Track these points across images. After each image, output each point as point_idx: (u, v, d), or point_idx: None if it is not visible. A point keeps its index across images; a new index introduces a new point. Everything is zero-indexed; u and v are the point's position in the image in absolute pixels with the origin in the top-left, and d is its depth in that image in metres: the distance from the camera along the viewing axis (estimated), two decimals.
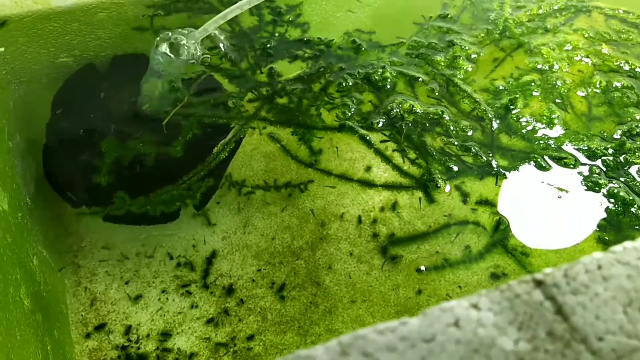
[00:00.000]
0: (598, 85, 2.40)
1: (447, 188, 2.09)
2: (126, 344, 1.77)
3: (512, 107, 2.29)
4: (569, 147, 2.20)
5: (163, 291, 1.87)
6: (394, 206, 2.10)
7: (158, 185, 2.09)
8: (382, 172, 2.16)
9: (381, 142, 2.21)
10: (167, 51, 2.25)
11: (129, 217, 2.02)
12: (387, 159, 2.18)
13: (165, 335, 1.79)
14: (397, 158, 2.19)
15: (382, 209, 2.09)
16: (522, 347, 0.71)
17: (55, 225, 1.99)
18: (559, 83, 2.39)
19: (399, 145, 2.21)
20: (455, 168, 2.13)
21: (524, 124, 2.25)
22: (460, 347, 0.71)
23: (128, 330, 1.79)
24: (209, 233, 2.00)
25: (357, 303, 1.88)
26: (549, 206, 2.07)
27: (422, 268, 1.92)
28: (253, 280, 1.91)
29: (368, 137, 2.24)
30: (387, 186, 2.12)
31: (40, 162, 2.15)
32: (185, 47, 2.26)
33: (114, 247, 1.96)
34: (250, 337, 1.80)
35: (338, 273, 1.94)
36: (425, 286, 1.92)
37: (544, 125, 2.25)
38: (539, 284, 0.79)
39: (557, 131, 2.25)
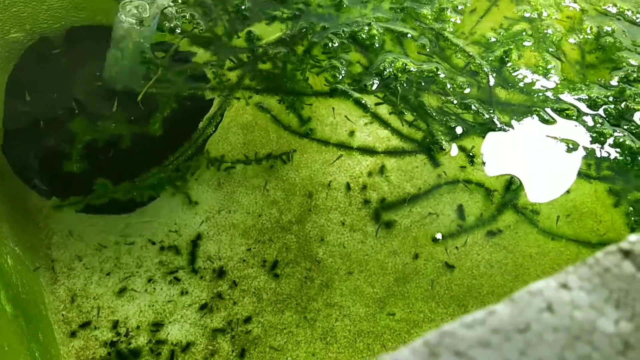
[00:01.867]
0: (589, 32, 2.34)
1: (454, 150, 2.01)
2: (115, 340, 1.66)
3: (506, 59, 2.21)
4: (568, 98, 2.15)
5: (149, 280, 1.75)
6: (382, 170, 2.02)
7: (141, 168, 1.92)
8: (381, 138, 2.06)
9: (376, 105, 2.10)
10: (133, 19, 2.04)
11: (106, 206, 1.88)
12: (385, 123, 2.08)
13: (157, 325, 1.69)
14: (395, 121, 2.09)
15: (370, 174, 2.01)
16: (624, 327, 0.65)
17: (23, 219, 1.83)
18: (549, 31, 2.32)
19: (395, 108, 2.10)
20: (458, 128, 2.04)
21: (520, 76, 2.18)
22: (560, 335, 0.65)
23: (115, 324, 1.68)
24: (190, 215, 1.88)
25: (354, 274, 1.82)
26: (557, 160, 2.03)
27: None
28: (244, 260, 1.81)
29: (363, 101, 2.12)
30: (390, 152, 2.03)
31: None
32: (152, 13, 2.05)
33: (90, 238, 1.82)
34: (248, 320, 1.72)
35: (331, 244, 1.86)
36: (421, 249, 1.87)
37: (540, 77, 2.18)
38: (626, 254, 0.72)
39: (554, 82, 2.19)
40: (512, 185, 1.97)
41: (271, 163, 2.00)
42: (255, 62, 2.18)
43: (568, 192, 2.01)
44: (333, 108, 2.10)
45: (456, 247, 1.88)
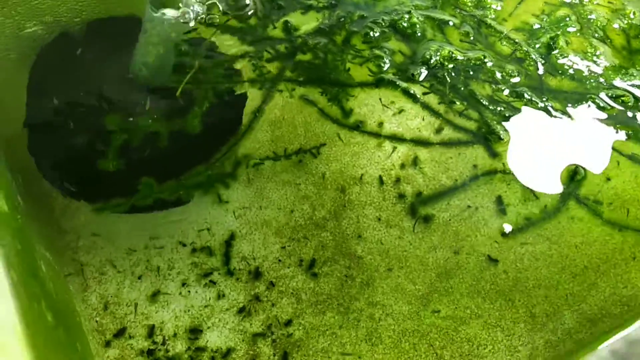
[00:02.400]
0: (632, 16, 2.27)
1: (512, 139, 1.92)
2: (152, 348, 1.59)
3: (553, 45, 2.13)
4: (622, 84, 2.09)
5: (183, 284, 1.68)
6: (415, 161, 1.95)
7: (183, 166, 1.83)
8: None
9: (424, 94, 2.02)
10: (165, 11, 1.95)
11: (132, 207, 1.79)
12: (436, 114, 2.00)
13: (195, 332, 1.62)
14: (446, 111, 2.02)
15: (402, 166, 1.93)
16: None
17: (49, 222, 1.75)
18: (593, 16, 2.25)
19: (444, 97, 2.02)
20: (512, 117, 1.96)
21: (569, 63, 2.11)
22: None
23: (151, 331, 1.61)
24: (221, 213, 1.80)
25: (394, 271, 1.75)
26: (619, 149, 1.97)
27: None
28: (279, 259, 1.74)
29: (412, 91, 2.04)
30: (446, 144, 1.95)
31: (25, 151, 1.87)
32: (185, 5, 1.96)
33: (118, 241, 1.74)
34: (288, 323, 1.65)
35: (369, 241, 1.79)
36: (463, 243, 1.81)
37: (590, 63, 2.11)
38: None
39: (604, 67, 2.12)
40: (576, 176, 1.90)
41: (300, 157, 1.92)
42: (294, 53, 2.09)
43: (608, 179, 1.94)
44: (380, 99, 2.03)
45: (496, 241, 1.82)
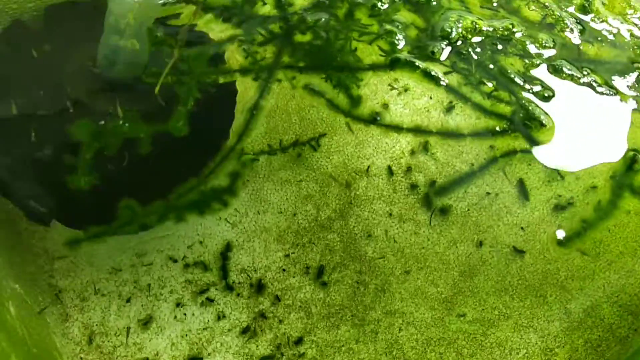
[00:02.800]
0: None
1: (555, 125, 1.69)
2: None
3: (588, 8, 1.88)
4: None
5: (178, 304, 1.49)
6: (426, 147, 1.75)
7: (171, 180, 1.57)
8: (459, 119, 1.76)
9: (445, 74, 1.77)
10: None
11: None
12: (464, 98, 1.76)
13: None
14: (475, 94, 1.78)
15: (412, 153, 1.74)
16: None
17: (18, 248, 1.54)
18: None
19: (470, 77, 1.78)
20: (551, 97, 1.72)
21: (607, 27, 1.86)
22: None
23: None
24: (213, 222, 1.60)
25: (412, 273, 1.57)
26: None
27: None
28: (283, 269, 1.55)
29: (433, 72, 1.78)
30: (476, 134, 1.74)
31: None
32: None
33: (99, 260, 1.54)
34: (299, 341, 1.47)
35: (380, 240, 1.61)
36: (485, 235, 1.63)
37: (631, 26, 1.87)
38: None
39: None
40: (635, 164, 1.71)
41: (298, 151, 1.71)
42: (291, 33, 1.83)
43: None
44: (396, 80, 1.79)
45: (521, 228, 1.64)
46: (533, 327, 1.51)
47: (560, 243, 1.60)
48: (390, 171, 1.70)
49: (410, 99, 1.81)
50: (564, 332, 1.51)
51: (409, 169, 1.71)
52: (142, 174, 1.60)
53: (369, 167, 1.71)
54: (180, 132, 1.65)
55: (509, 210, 1.67)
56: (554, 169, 1.73)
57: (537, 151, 1.74)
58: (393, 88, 1.81)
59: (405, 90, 1.82)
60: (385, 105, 1.80)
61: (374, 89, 1.82)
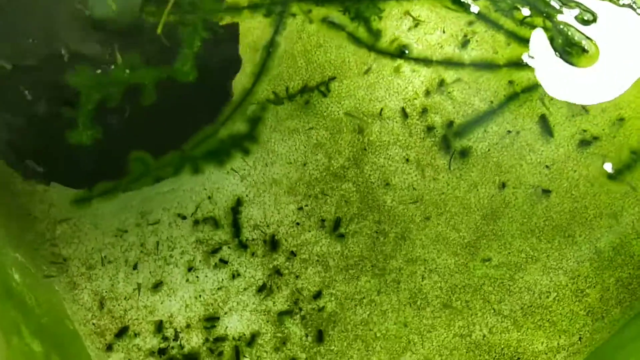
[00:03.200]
0: None
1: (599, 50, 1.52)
2: (164, 346, 1.35)
3: None
4: None
5: (190, 269, 1.42)
6: (442, 85, 1.63)
7: (183, 130, 1.46)
8: (474, 54, 1.62)
9: (474, 0, 1.57)
10: None
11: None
12: (497, 25, 1.60)
13: (211, 320, 1.38)
14: (507, 21, 1.62)
15: (427, 93, 1.62)
16: None
17: (12, 214, 1.45)
18: None
19: (500, 3, 1.58)
20: (592, 22, 1.55)
21: None
22: None
23: (159, 327, 1.37)
24: (221, 176, 1.51)
25: (432, 219, 1.49)
26: None
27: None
28: (297, 223, 1.47)
29: None
30: (514, 64, 1.60)
31: None
32: None
33: (103, 222, 1.46)
34: (317, 295, 1.41)
35: (398, 188, 1.52)
36: (507, 176, 1.54)
37: None
38: None
39: None
40: None
41: (306, 98, 1.60)
42: None
43: None
44: (407, 12, 1.65)
45: (546, 167, 1.55)
46: (562, 269, 1.45)
47: (587, 180, 1.51)
48: (404, 113, 1.60)
49: (423, 34, 1.68)
50: (595, 272, 1.44)
51: (424, 111, 1.60)
52: (150, 124, 1.47)
53: (382, 110, 1.60)
54: (187, 77, 1.52)
55: (532, 149, 1.57)
56: (578, 104, 1.62)
57: (559, 84, 1.63)
58: (410, 20, 1.68)
59: (416, 25, 1.69)
60: (396, 41, 1.67)
61: (383, 25, 1.69)
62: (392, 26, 1.66)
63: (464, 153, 1.56)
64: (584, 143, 1.57)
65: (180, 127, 1.46)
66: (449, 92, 1.62)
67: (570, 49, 1.60)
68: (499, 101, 1.62)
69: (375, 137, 1.57)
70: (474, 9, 1.65)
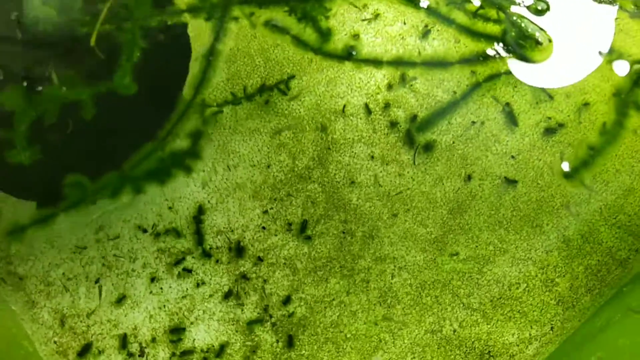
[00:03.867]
0: None
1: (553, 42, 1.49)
2: None
3: None
4: None
5: (152, 279, 1.38)
6: (404, 79, 1.61)
7: (124, 147, 1.40)
8: (436, 44, 1.60)
9: None
10: None
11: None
12: (448, 20, 1.58)
13: (177, 332, 1.34)
14: (459, 15, 1.59)
15: (389, 87, 1.60)
16: None
17: None
18: None
19: None
20: (545, 12, 1.53)
21: None
22: None
23: (124, 341, 1.33)
24: (181, 183, 1.47)
25: (399, 215, 1.47)
26: None
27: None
28: (263, 227, 1.44)
29: None
30: (467, 60, 1.58)
31: None
32: None
33: (60, 239, 1.41)
34: (287, 300, 1.38)
35: (364, 185, 1.50)
36: (473, 168, 1.52)
37: None
38: None
39: None
40: None
41: (265, 97, 1.56)
42: None
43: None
44: (365, 5, 1.61)
45: (512, 157, 1.54)
46: (531, 259, 1.44)
47: (567, 176, 1.50)
48: (367, 109, 1.57)
49: (382, 26, 1.65)
50: (564, 261, 1.44)
51: (387, 105, 1.57)
52: (88, 143, 1.42)
53: (344, 106, 1.57)
54: (127, 90, 1.46)
55: (497, 139, 1.56)
56: (542, 90, 1.60)
57: (522, 71, 1.61)
58: (363, 17, 1.64)
59: (376, 16, 1.65)
60: (356, 36, 1.63)
61: (342, 20, 1.65)
62: (350, 19, 1.63)
63: (429, 147, 1.54)
64: (549, 131, 1.56)
65: (119, 145, 1.41)
66: (412, 85, 1.60)
67: (523, 42, 1.58)
68: (462, 91, 1.60)
69: (339, 135, 1.54)
70: (424, 3, 1.62)
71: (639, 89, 1.54)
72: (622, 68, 1.58)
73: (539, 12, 1.58)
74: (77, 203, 1.38)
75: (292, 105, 1.56)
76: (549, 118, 1.57)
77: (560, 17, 1.61)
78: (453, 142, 1.55)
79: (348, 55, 1.56)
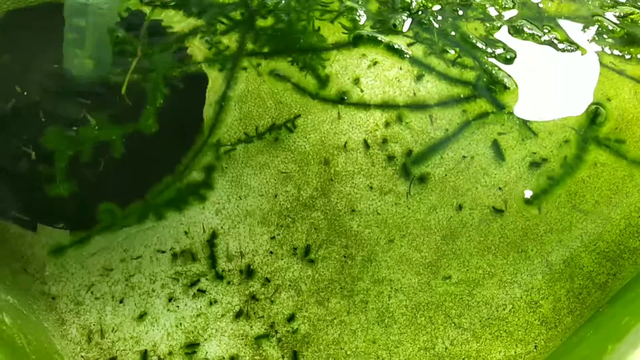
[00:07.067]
0: None
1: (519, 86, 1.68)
2: None
3: None
4: None
5: (170, 299, 1.52)
6: (400, 117, 1.77)
7: (147, 178, 1.59)
8: (430, 86, 1.77)
9: (409, 45, 1.77)
10: None
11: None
12: (429, 68, 1.77)
13: (192, 346, 1.48)
14: (438, 63, 1.79)
15: (387, 125, 1.76)
16: None
17: (4, 259, 1.56)
18: None
19: (433, 46, 1.78)
20: (514, 59, 1.74)
21: None
22: None
23: (144, 356, 1.46)
24: (197, 211, 1.62)
25: (395, 241, 1.61)
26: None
27: (529, 195, 1.61)
28: (271, 252, 1.59)
29: (397, 45, 1.79)
30: (443, 103, 1.75)
31: None
32: None
33: (89, 261, 1.56)
34: (291, 318, 1.51)
35: (364, 213, 1.64)
36: (464, 198, 1.66)
37: None
38: None
39: None
40: (597, 118, 1.74)
41: (275, 135, 1.73)
42: (253, 18, 1.82)
43: (609, 99, 1.79)
44: (364, 55, 1.79)
45: (499, 188, 1.68)
46: (517, 282, 1.56)
47: (527, 202, 1.64)
48: (366, 145, 1.73)
49: (381, 71, 1.83)
50: (547, 284, 1.56)
51: (384, 141, 1.73)
52: (118, 176, 1.61)
53: (346, 142, 1.73)
54: (150, 130, 1.65)
55: (485, 172, 1.70)
56: (527, 128, 1.76)
57: (509, 111, 1.77)
58: (363, 62, 1.82)
59: (375, 63, 1.83)
60: (357, 80, 1.81)
61: (344, 64, 1.83)
62: (351, 65, 1.81)
63: (423, 179, 1.68)
64: (534, 165, 1.71)
65: (144, 178, 1.61)
66: (407, 123, 1.76)
67: (494, 87, 1.75)
68: (453, 129, 1.75)
69: (341, 168, 1.70)
70: (409, 53, 1.80)
71: (595, 126, 1.70)
72: (579, 107, 1.75)
73: (508, 61, 1.76)
74: (108, 226, 1.53)
75: (299, 141, 1.72)
76: (534, 153, 1.72)
77: (526, 65, 1.79)
78: (445, 175, 1.69)
79: (341, 99, 1.73)
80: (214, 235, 1.60)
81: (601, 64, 1.81)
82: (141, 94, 1.70)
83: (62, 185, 1.59)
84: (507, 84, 1.74)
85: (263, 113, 1.75)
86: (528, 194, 1.65)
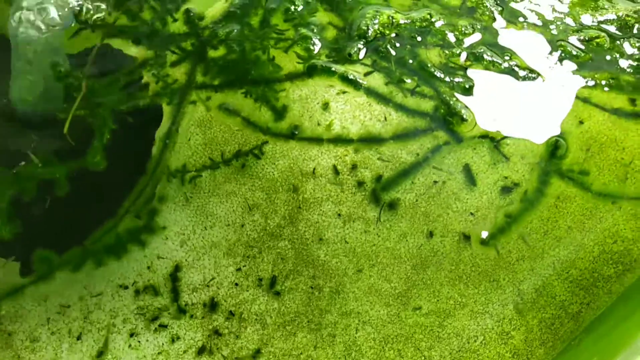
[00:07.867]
0: None
1: (477, 118, 1.66)
2: None
3: None
4: (592, 21, 1.85)
5: (131, 334, 1.47)
6: (370, 141, 1.73)
7: (90, 220, 1.54)
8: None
9: (366, 75, 1.75)
10: (32, 19, 1.58)
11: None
12: (385, 99, 1.74)
13: None
14: (396, 94, 1.76)
15: (357, 150, 1.72)
16: None
17: None
18: None
19: (391, 76, 1.75)
20: (473, 88, 1.72)
21: (528, 4, 1.85)
22: None
23: None
24: (160, 242, 1.58)
25: (364, 271, 1.57)
26: (601, 103, 1.74)
27: (485, 234, 1.58)
28: (236, 284, 1.54)
29: (351, 75, 1.76)
30: (398, 136, 1.71)
31: None
32: (56, 9, 1.59)
33: (48, 299, 1.51)
34: (257, 353, 1.47)
35: (331, 242, 1.60)
36: (435, 225, 1.63)
37: (552, 1, 1.85)
38: None
39: (569, 3, 1.86)
40: (557, 151, 1.71)
41: (242, 162, 1.69)
42: (204, 49, 1.79)
43: (581, 122, 1.77)
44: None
45: (471, 214, 1.64)
46: (489, 313, 1.52)
47: (483, 242, 1.60)
48: (335, 170, 1.69)
49: (351, 96, 1.79)
50: (518, 314, 1.52)
51: (354, 167, 1.70)
52: (61, 217, 1.56)
53: (314, 168, 1.69)
54: (98, 167, 1.61)
55: (457, 197, 1.67)
56: (499, 151, 1.73)
57: (481, 136, 1.74)
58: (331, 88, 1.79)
59: (344, 92, 1.80)
60: (326, 105, 1.78)
61: (313, 90, 1.80)
62: (320, 91, 1.77)
63: (393, 205, 1.65)
64: (506, 190, 1.67)
65: (85, 221, 1.55)
66: (377, 148, 1.72)
67: (451, 119, 1.72)
68: (424, 153, 1.72)
69: (309, 195, 1.66)
70: (364, 83, 1.77)
71: (556, 159, 1.68)
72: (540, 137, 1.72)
73: (467, 91, 1.73)
74: (44, 276, 1.49)
75: (267, 168, 1.68)
76: (506, 177, 1.69)
77: (485, 95, 1.77)
78: (416, 200, 1.66)
79: (291, 134, 1.69)
80: (177, 269, 1.55)
81: (565, 91, 1.79)
82: (88, 130, 1.65)
83: (4, 228, 1.54)
84: (464, 116, 1.71)
85: (230, 139, 1.71)
86: (484, 233, 1.61)
